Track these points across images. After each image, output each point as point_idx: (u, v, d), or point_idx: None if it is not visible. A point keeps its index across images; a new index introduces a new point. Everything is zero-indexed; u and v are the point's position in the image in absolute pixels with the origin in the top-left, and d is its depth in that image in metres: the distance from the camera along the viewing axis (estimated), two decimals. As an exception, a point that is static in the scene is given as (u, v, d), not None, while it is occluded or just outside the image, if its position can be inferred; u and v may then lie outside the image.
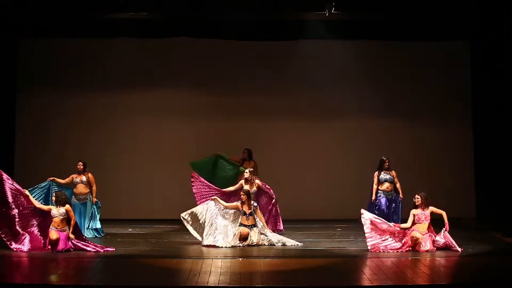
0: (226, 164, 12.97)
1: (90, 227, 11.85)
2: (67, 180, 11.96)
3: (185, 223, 11.35)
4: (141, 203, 13.96)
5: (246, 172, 11.89)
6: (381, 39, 14.44)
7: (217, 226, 11.08)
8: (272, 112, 14.67)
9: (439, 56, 14.70)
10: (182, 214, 11.35)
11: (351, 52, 14.39)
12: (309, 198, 14.35)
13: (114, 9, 12.99)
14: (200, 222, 11.21)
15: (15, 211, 10.52)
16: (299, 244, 11.16)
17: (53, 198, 10.79)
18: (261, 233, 11.24)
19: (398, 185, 12.29)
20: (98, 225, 11.95)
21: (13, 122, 14.40)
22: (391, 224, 10.80)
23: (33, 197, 10.89)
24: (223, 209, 11.29)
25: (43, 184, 11.58)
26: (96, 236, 11.82)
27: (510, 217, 12.16)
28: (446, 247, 10.52)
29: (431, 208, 10.74)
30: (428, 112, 14.72)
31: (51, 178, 11.68)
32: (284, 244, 11.11)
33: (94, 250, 10.43)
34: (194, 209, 11.35)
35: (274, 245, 11.11)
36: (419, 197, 10.80)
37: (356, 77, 14.47)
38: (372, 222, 10.57)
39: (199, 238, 11.19)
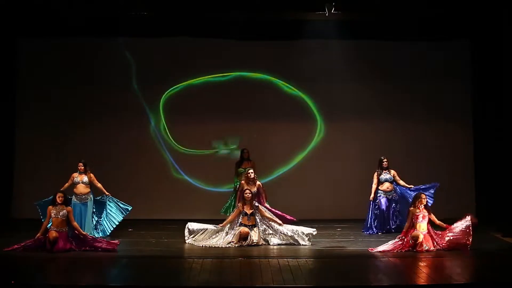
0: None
1: (101, 222, 11.84)
2: (69, 182, 11.98)
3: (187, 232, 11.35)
4: (141, 203, 13.93)
5: (251, 173, 11.85)
6: (381, 39, 14.43)
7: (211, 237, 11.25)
8: (271, 111, 14.65)
9: (439, 56, 14.68)
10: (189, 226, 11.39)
11: (351, 52, 14.37)
12: (310, 198, 14.32)
13: (114, 8, 12.98)
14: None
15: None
16: (314, 230, 11.19)
17: (58, 198, 10.77)
18: (271, 230, 11.22)
19: (402, 182, 12.32)
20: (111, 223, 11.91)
21: (13, 122, 14.39)
22: (397, 238, 10.73)
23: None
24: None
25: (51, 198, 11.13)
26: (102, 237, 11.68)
27: (510, 217, 12.15)
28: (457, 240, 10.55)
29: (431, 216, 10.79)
30: (428, 112, 14.67)
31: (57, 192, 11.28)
32: (299, 234, 11.11)
33: (104, 247, 10.49)
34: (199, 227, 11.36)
35: (286, 237, 11.14)
36: (418, 196, 10.82)
37: (356, 77, 14.44)
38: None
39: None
